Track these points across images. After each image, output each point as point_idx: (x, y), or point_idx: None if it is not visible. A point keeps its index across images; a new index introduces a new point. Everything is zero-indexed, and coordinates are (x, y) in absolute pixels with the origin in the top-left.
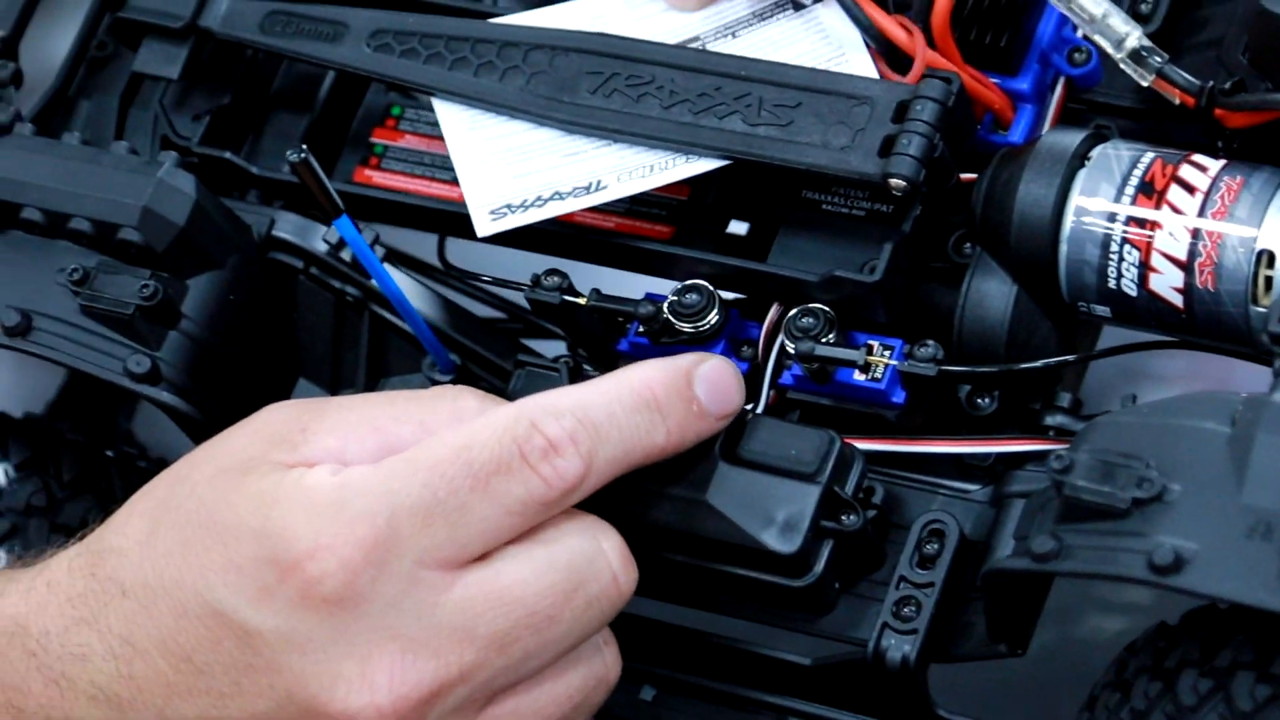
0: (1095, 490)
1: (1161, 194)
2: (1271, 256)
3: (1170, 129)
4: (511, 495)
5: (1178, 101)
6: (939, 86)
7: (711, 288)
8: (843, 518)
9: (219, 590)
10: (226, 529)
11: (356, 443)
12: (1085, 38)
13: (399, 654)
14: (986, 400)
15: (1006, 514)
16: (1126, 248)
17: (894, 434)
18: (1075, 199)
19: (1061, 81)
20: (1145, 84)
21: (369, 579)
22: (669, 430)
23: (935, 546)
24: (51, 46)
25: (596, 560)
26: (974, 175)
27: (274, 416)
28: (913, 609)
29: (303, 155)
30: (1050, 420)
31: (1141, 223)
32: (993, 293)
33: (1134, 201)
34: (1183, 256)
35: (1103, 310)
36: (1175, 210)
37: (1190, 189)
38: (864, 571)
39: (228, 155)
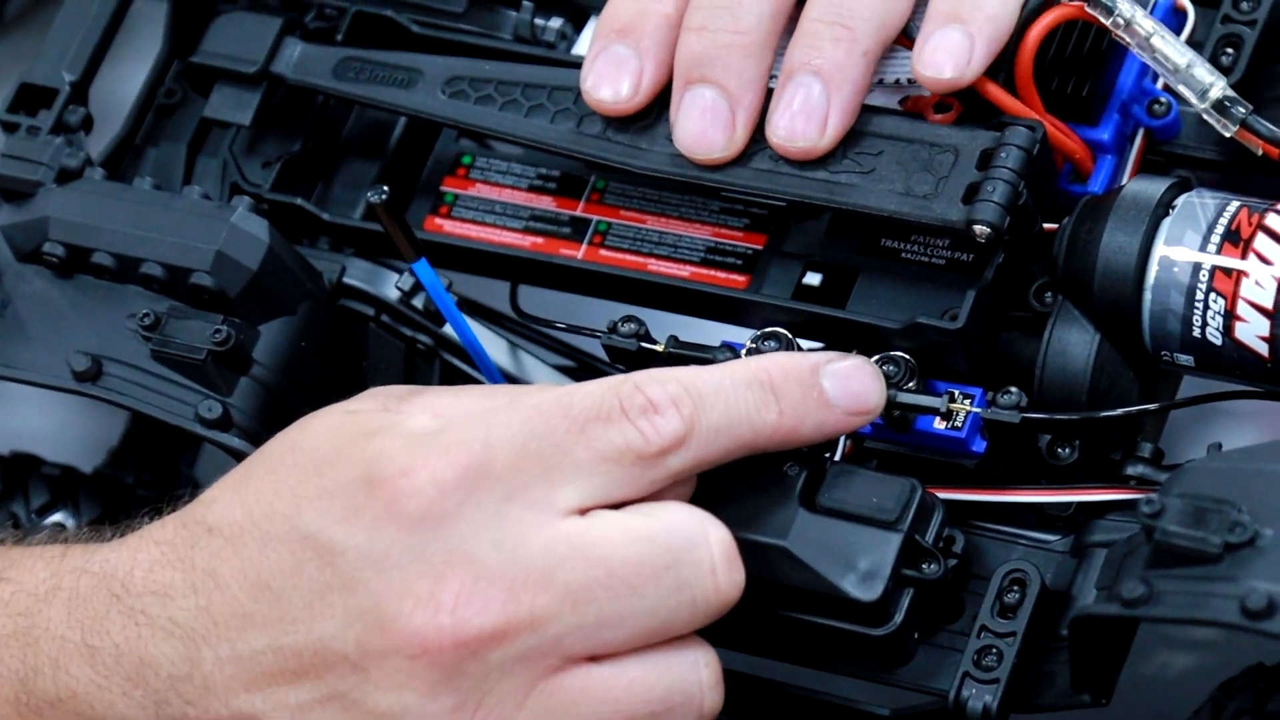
0: (1187, 535)
1: (1248, 242)
2: None
3: (1252, 181)
4: (608, 441)
5: (1260, 153)
6: (1024, 134)
7: (789, 335)
8: (923, 566)
9: (308, 515)
10: (323, 461)
11: (445, 416)
12: (1166, 89)
13: (472, 579)
14: (1067, 450)
15: (1088, 564)
16: (1212, 296)
17: (974, 484)
18: (1160, 248)
19: (1141, 133)
20: (1228, 135)
21: (456, 501)
22: (781, 411)
23: (1016, 595)
24: (121, 90)
25: (698, 547)
26: (1054, 225)
27: (379, 389)
28: (994, 658)
29: (383, 196)
30: (1131, 470)
31: (1227, 271)
32: (1074, 341)
33: (1220, 250)
34: (1269, 305)
35: (1186, 359)
36: (1262, 259)
37: (1277, 238)
38: (943, 621)
39: (299, 201)
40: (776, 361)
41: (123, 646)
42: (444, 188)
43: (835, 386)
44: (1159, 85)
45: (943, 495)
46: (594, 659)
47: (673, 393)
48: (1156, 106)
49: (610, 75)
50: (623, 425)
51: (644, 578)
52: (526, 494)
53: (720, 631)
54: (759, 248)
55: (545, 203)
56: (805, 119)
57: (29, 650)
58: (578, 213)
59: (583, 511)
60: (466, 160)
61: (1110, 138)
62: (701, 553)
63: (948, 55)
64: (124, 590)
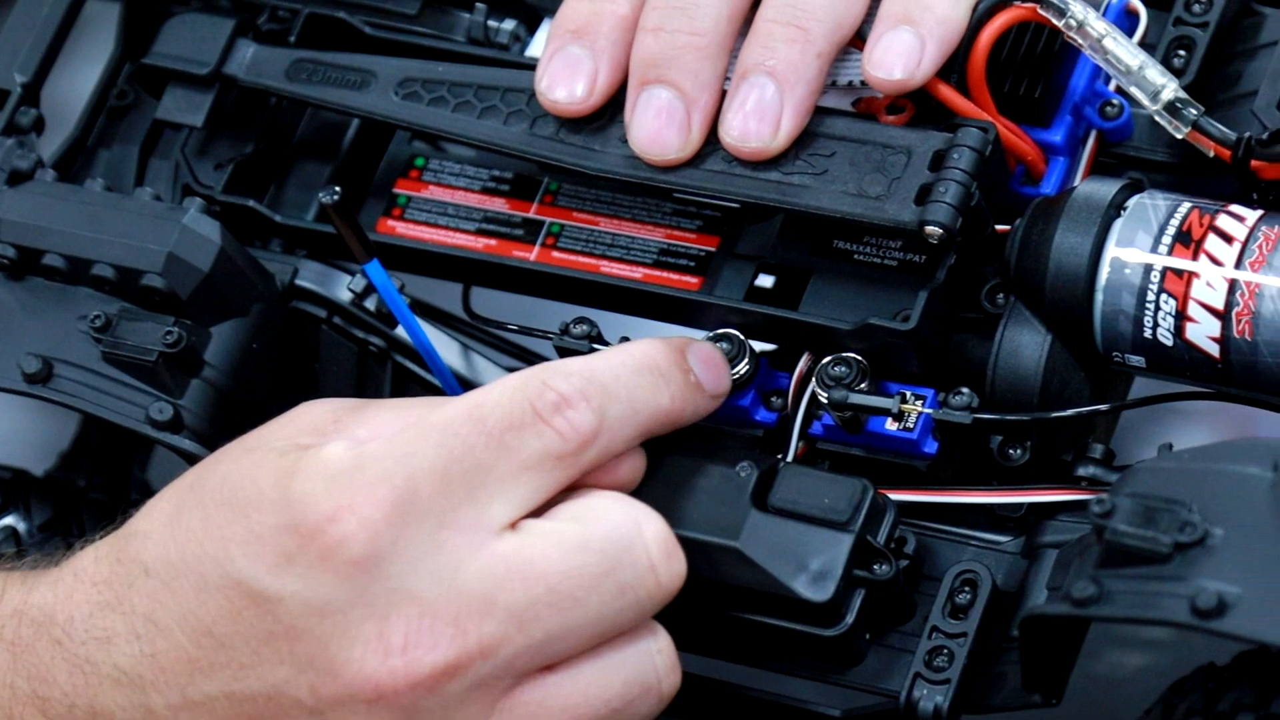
0: (1137, 534)
1: (1199, 244)
2: None
3: (1203, 183)
4: (527, 449)
5: (1212, 154)
6: (976, 135)
7: (742, 336)
8: (875, 567)
9: (239, 560)
10: (247, 502)
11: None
12: (1118, 90)
13: (417, 616)
14: (1018, 451)
15: (1039, 565)
16: (1163, 297)
17: (925, 484)
18: (1111, 249)
19: (1093, 134)
20: (1180, 136)
21: (389, 540)
22: (672, 395)
23: (968, 596)
24: (73, 92)
25: (634, 547)
26: (1006, 226)
27: (312, 409)
28: (945, 659)
29: (335, 196)
30: (1083, 471)
31: (1179, 273)
32: (1026, 342)
33: (1171, 251)
34: (1220, 306)
35: (1137, 360)
36: (1213, 260)
37: (1228, 239)
38: (894, 622)
39: (251, 203)
40: (656, 347)
41: (72, 696)
42: (397, 189)
43: (701, 369)
44: (1111, 87)
45: (894, 496)
46: (548, 668)
47: (579, 386)
48: (1109, 108)
49: (565, 76)
50: (539, 429)
51: (585, 588)
52: (456, 519)
53: (671, 632)
54: (712, 249)
55: (498, 205)
56: (758, 119)
57: None
58: (530, 215)
59: (514, 524)
60: (419, 162)
61: (1062, 139)
62: (638, 552)
63: (898, 57)
64: (66, 637)
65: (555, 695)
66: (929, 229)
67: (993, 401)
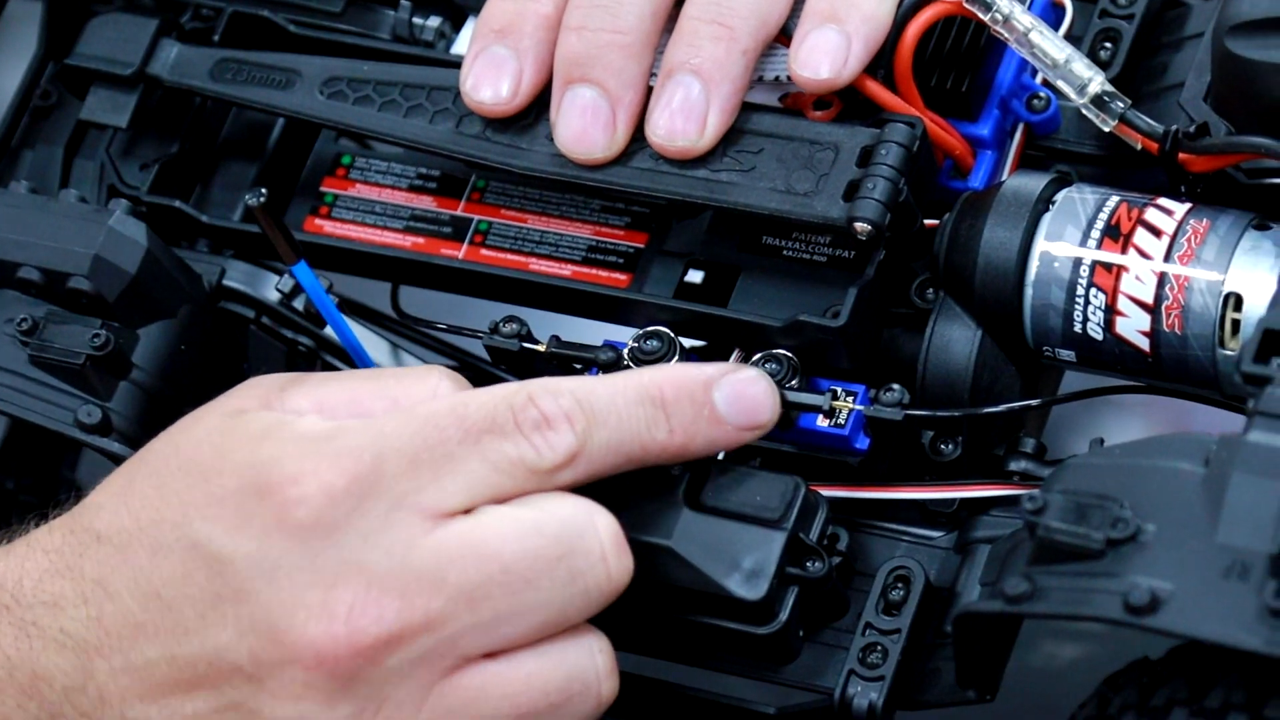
0: (1069, 531)
1: (1128, 237)
2: (1239, 299)
3: (1131, 175)
4: (501, 453)
5: (1139, 147)
6: (903, 131)
7: (672, 334)
8: (807, 564)
9: (197, 523)
10: (210, 468)
11: (329, 411)
12: (1045, 84)
13: (364, 587)
14: (950, 446)
15: (971, 560)
16: (1093, 291)
17: (857, 481)
18: (1040, 243)
19: (1021, 128)
20: (1107, 130)
21: (345, 510)
22: (672, 429)
23: (901, 593)
24: None
25: (587, 536)
26: (936, 221)
27: (256, 382)
28: (879, 655)
29: (262, 198)
30: (1014, 465)
31: (1108, 266)
32: (956, 338)
33: (1100, 245)
34: (1149, 300)
35: (1068, 354)
36: (1142, 254)
37: (1156, 232)
38: (828, 619)
39: (177, 204)
40: (669, 376)
41: (15, 659)
42: (323, 188)
43: (727, 402)
44: (1038, 80)
45: (826, 493)
46: (490, 655)
47: (566, 407)
48: (1036, 101)
49: (490, 76)
50: (516, 439)
51: (538, 570)
52: (416, 500)
53: (607, 630)
54: (640, 246)
55: (425, 203)
56: (684, 118)
57: None
58: (458, 212)
59: (470, 509)
60: (346, 160)
61: (990, 133)
62: (591, 541)
63: (824, 55)
64: (14, 601)
65: (496, 682)
66: (858, 225)
67: (924, 397)
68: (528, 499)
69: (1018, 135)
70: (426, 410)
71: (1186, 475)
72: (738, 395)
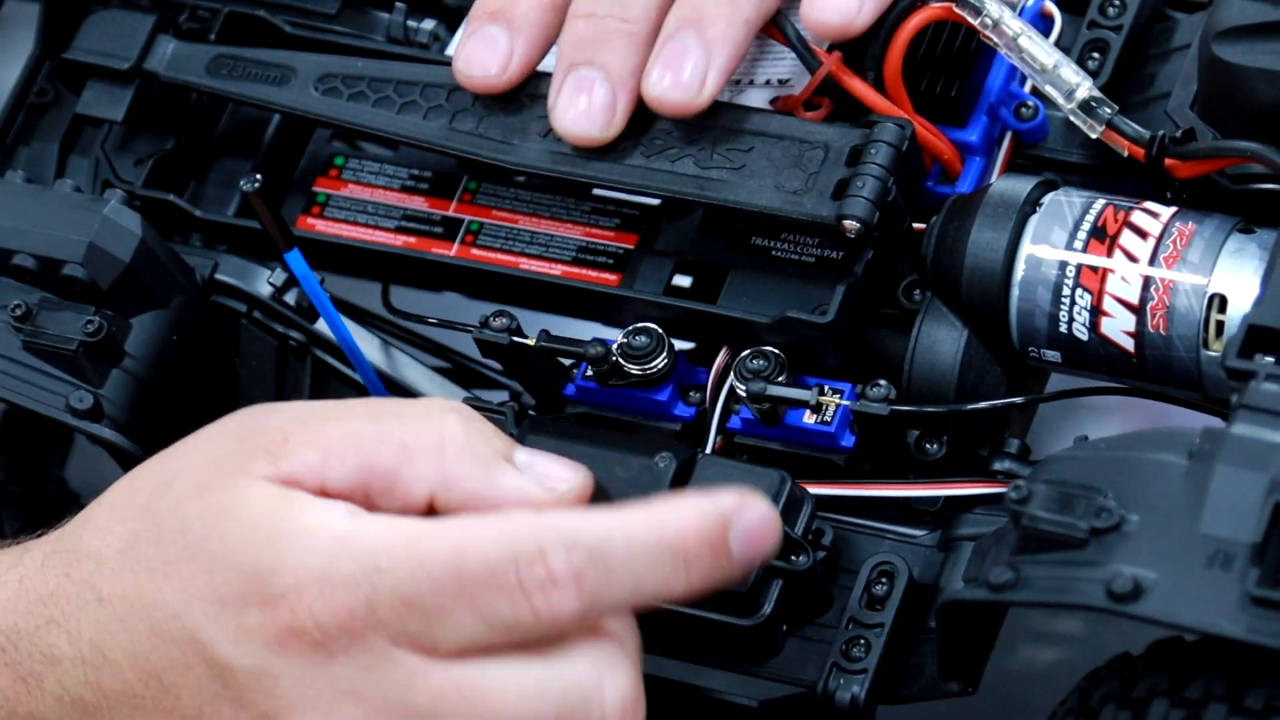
0: (1053, 520)
1: (1114, 239)
2: (1223, 301)
3: (1118, 183)
4: (495, 612)
5: (1126, 154)
6: (893, 131)
7: (661, 330)
8: (792, 557)
9: (199, 619)
10: (214, 559)
11: (338, 460)
12: (1033, 91)
13: (363, 713)
14: (935, 446)
15: (955, 556)
16: (1079, 291)
17: (842, 479)
18: (1027, 245)
19: (1009, 135)
20: (1095, 136)
21: (343, 645)
22: (689, 581)
23: (884, 587)
24: None
25: (591, 704)
26: (923, 225)
27: (252, 422)
28: (862, 649)
29: (256, 184)
30: (999, 465)
31: (1094, 268)
32: (942, 338)
33: (1086, 247)
34: (1135, 301)
35: (1053, 355)
36: (1128, 255)
37: (1143, 234)
38: (811, 614)
39: (171, 198)
40: (693, 526)
41: (14, 702)
42: (316, 188)
43: (741, 544)
44: (1027, 88)
45: (812, 490)
46: None
47: (577, 567)
48: (1024, 110)
49: (480, 53)
50: (514, 599)
51: None
52: (413, 640)
53: None
54: (630, 247)
55: (417, 203)
56: (685, 74)
57: None
58: (449, 213)
59: (466, 650)
60: (339, 161)
61: (978, 139)
62: (594, 710)
63: (838, 3)
64: (10, 645)
65: None
66: (847, 223)
67: (910, 396)
68: (538, 650)
69: (1005, 143)
70: (426, 550)
71: (1170, 467)
72: (752, 538)
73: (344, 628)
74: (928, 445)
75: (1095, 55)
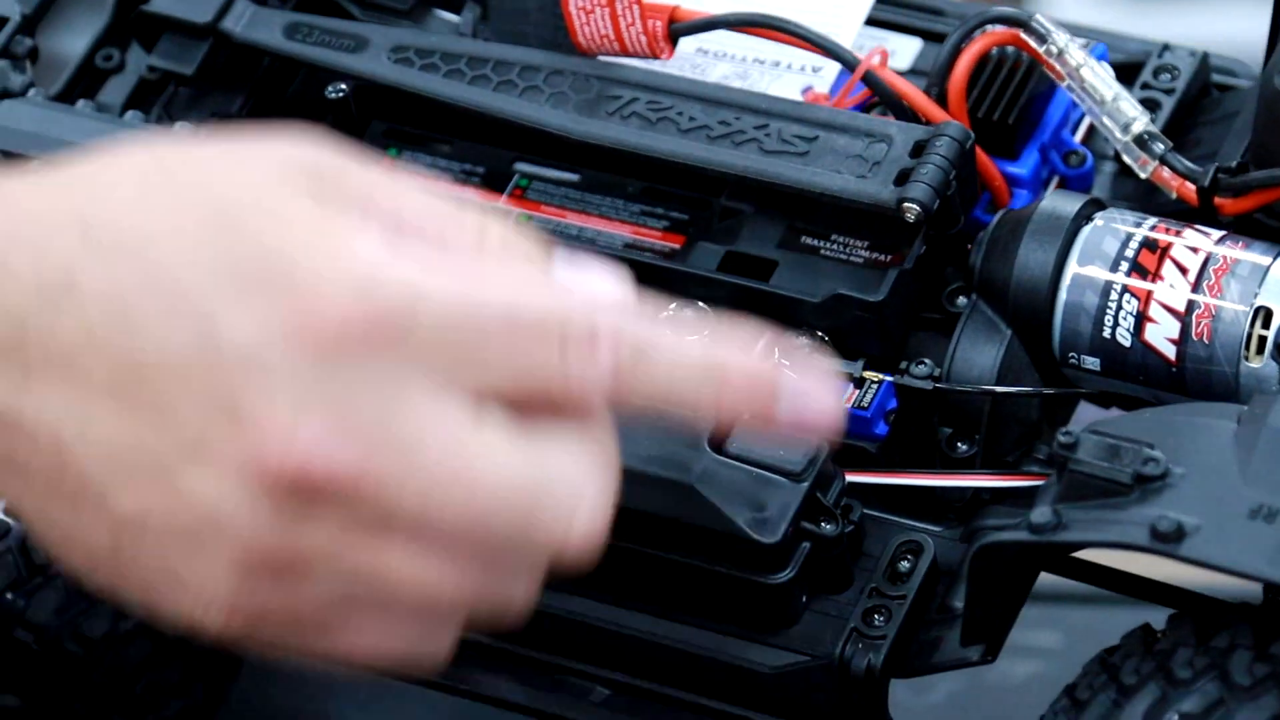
0: (1099, 465)
1: (1165, 250)
2: (1269, 314)
3: None
4: (530, 360)
5: (1174, 196)
6: (957, 128)
7: (708, 309)
8: (822, 523)
9: (200, 276)
10: (242, 227)
11: (376, 209)
12: (1084, 141)
13: (340, 429)
14: (966, 445)
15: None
16: (1126, 297)
17: (873, 467)
18: (1080, 244)
19: (1055, 180)
20: (1145, 175)
21: (355, 350)
22: (720, 403)
23: (909, 564)
24: (59, 56)
25: (562, 508)
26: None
27: (318, 140)
28: (882, 617)
29: (342, 92)
30: (1030, 468)
31: (1144, 272)
32: (983, 341)
33: (1138, 254)
34: (1181, 308)
35: (1092, 362)
36: (1178, 265)
37: (1193, 249)
38: (831, 590)
39: None
40: (744, 369)
41: None
42: None
43: (790, 403)
44: (1077, 138)
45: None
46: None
47: (619, 347)
48: (1072, 157)
49: None
50: (550, 353)
51: (491, 518)
52: (428, 370)
53: (604, 583)
54: (677, 248)
55: (467, 195)
56: None
57: None
58: (499, 204)
59: (477, 400)
60: (392, 152)
61: (1028, 174)
62: (562, 517)
63: None
64: None
65: (399, 584)
66: (907, 205)
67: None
68: (535, 431)
69: (1051, 186)
70: (479, 285)
71: (1219, 428)
72: (800, 410)
73: (367, 333)
74: (960, 444)
75: (1148, 113)
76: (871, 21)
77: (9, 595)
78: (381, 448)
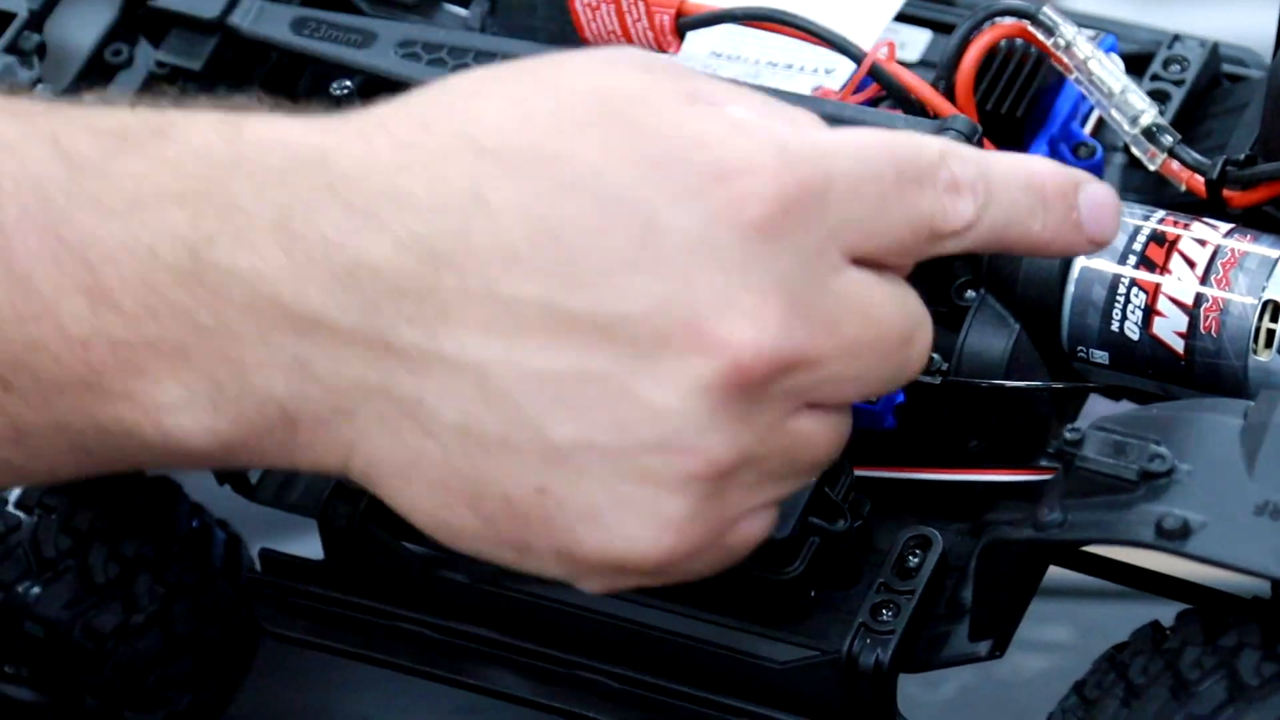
0: (1104, 462)
1: (1173, 244)
2: (1277, 308)
3: None
4: (919, 208)
5: (1183, 189)
6: (965, 121)
7: None
8: (831, 519)
9: (626, 177)
10: (640, 122)
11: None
12: (1093, 134)
13: (790, 308)
14: (975, 442)
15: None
16: (1134, 290)
17: (882, 463)
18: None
19: None
20: (1154, 167)
21: (791, 223)
22: (1045, 224)
23: (917, 559)
24: (67, 52)
25: (924, 328)
26: None
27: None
28: (890, 612)
29: (346, 90)
30: (1040, 462)
31: (1151, 266)
32: (992, 334)
33: (1145, 248)
34: (1189, 301)
35: (1101, 356)
36: (1186, 258)
37: (1201, 242)
38: (839, 585)
39: None
40: (1049, 170)
41: (335, 242)
42: None
43: (1088, 210)
44: (1086, 130)
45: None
46: (816, 406)
47: (971, 178)
48: (1081, 149)
49: None
50: (933, 195)
51: (893, 345)
52: (843, 235)
53: None
54: None
55: None
56: None
57: (203, 218)
58: None
59: (861, 264)
60: None
61: None
62: (922, 335)
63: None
64: (344, 185)
65: (820, 430)
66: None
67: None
68: (891, 276)
69: None
70: (859, 137)
71: (1225, 424)
72: (1097, 205)
73: (800, 202)
74: (969, 438)
75: (1157, 104)
76: None
77: (20, 589)
78: (818, 318)
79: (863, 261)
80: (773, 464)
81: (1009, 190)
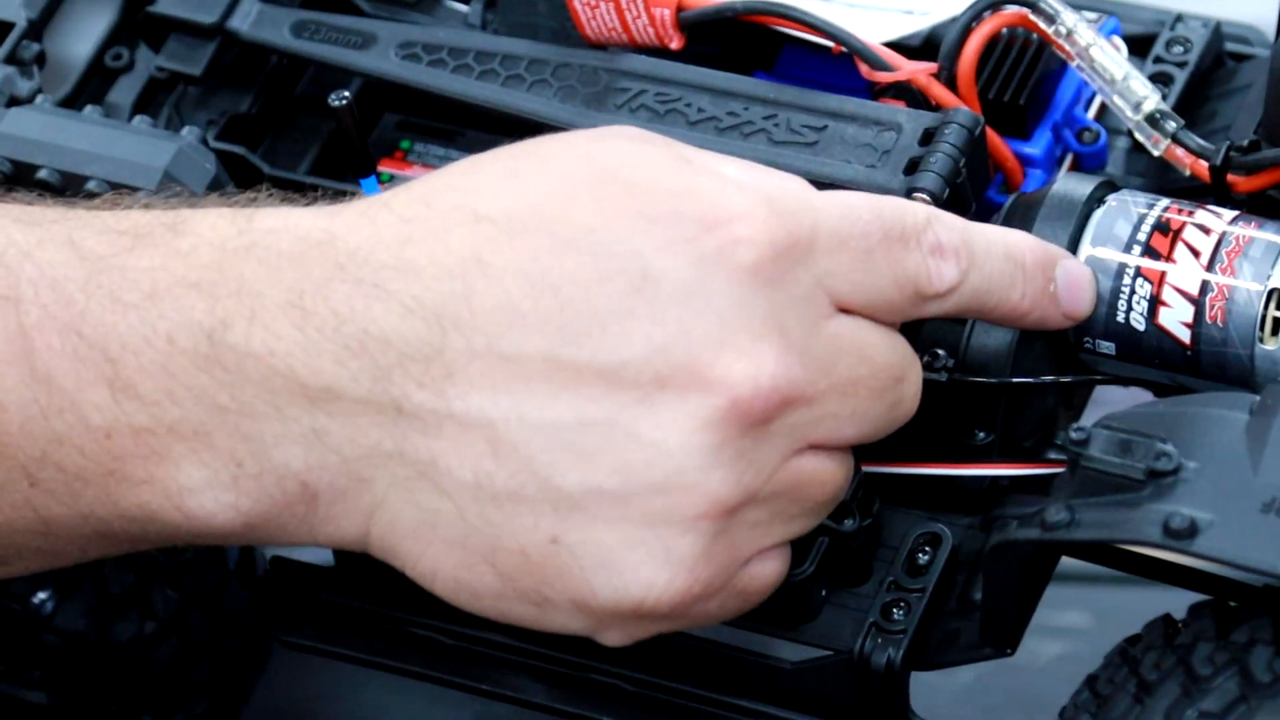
0: (1111, 461)
1: (1177, 233)
2: None
3: None
4: (902, 267)
5: (1187, 174)
6: (966, 115)
7: None
8: (840, 520)
9: (620, 231)
10: (632, 182)
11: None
12: (1097, 118)
13: (785, 346)
14: (983, 435)
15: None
16: (1139, 281)
17: (891, 459)
18: (1092, 227)
19: (1069, 158)
20: (1158, 152)
21: (781, 268)
22: (1025, 293)
23: (927, 556)
24: (68, 57)
25: (912, 370)
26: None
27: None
28: (901, 611)
29: (344, 100)
30: (1049, 455)
31: (1156, 255)
32: (997, 328)
33: (1150, 238)
34: (1195, 291)
35: (1107, 347)
36: (1190, 247)
37: (1206, 230)
38: (850, 583)
39: (242, 150)
40: (1028, 243)
41: (344, 315)
42: (381, 168)
43: (1064, 285)
44: (1090, 115)
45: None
46: (817, 447)
47: (955, 243)
48: (1086, 134)
49: None
50: (919, 258)
51: (885, 384)
52: (830, 283)
53: None
54: None
55: None
56: None
57: (218, 303)
58: None
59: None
60: (405, 145)
61: (1041, 154)
62: (914, 375)
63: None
64: (350, 261)
65: (821, 470)
66: (917, 194)
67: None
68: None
69: (1066, 163)
70: (847, 198)
71: (1232, 420)
72: (1072, 281)
73: (789, 251)
74: (976, 432)
75: (1160, 87)
76: None
77: (36, 600)
78: (812, 358)
79: (851, 314)
80: (778, 503)
81: (991, 258)
